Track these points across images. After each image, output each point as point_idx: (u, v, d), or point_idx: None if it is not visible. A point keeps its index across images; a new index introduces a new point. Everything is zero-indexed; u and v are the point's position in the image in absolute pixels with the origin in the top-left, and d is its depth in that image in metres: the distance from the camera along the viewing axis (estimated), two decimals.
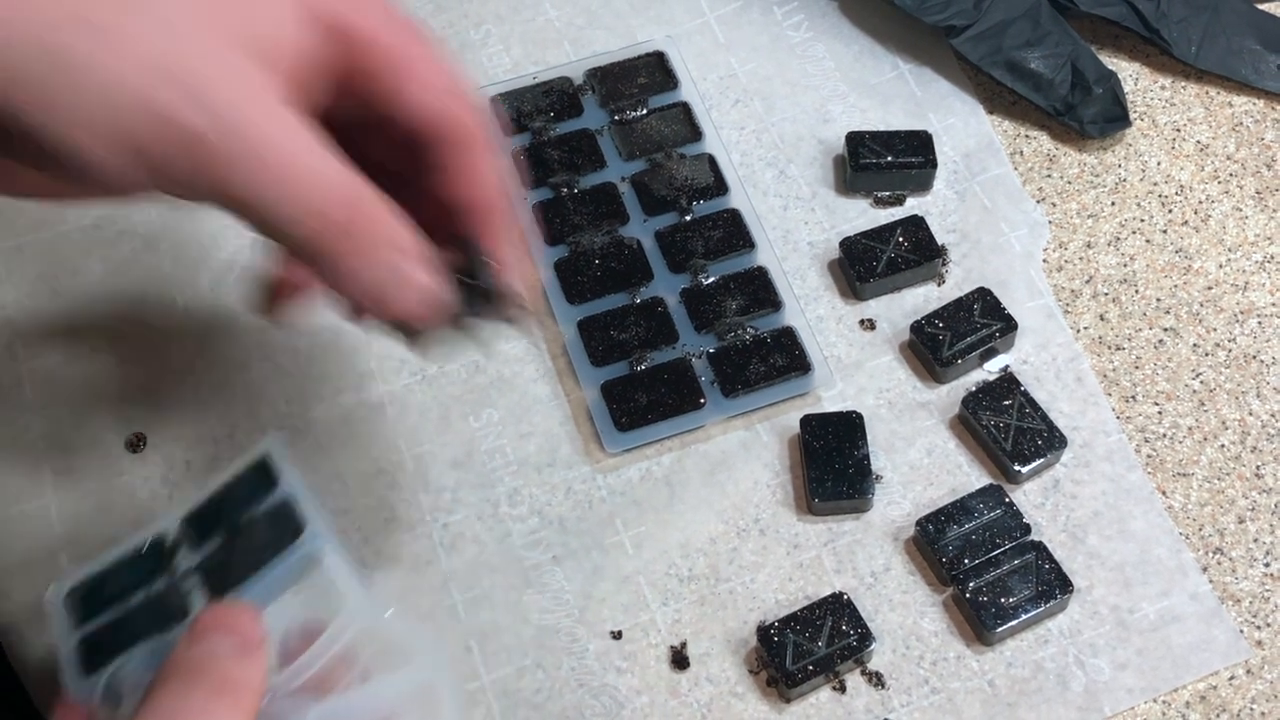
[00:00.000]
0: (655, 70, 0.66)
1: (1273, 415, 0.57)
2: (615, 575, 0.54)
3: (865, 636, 0.51)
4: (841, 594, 0.52)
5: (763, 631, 0.52)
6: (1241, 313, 0.60)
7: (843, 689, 0.51)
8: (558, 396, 0.58)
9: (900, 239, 0.60)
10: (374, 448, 0.57)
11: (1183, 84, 0.66)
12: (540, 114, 0.65)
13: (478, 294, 0.43)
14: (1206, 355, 0.59)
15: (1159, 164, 0.64)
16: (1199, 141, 0.64)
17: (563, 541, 0.55)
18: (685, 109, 0.65)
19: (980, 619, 0.51)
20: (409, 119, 0.42)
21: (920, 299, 0.60)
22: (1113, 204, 0.62)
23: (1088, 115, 0.63)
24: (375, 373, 0.59)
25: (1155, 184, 0.63)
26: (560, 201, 0.63)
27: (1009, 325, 0.58)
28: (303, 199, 0.37)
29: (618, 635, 0.53)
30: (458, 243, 0.43)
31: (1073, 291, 0.60)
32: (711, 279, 0.60)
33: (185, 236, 0.63)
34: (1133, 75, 0.66)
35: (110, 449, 0.58)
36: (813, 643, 0.51)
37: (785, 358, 0.58)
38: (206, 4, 0.37)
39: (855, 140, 0.63)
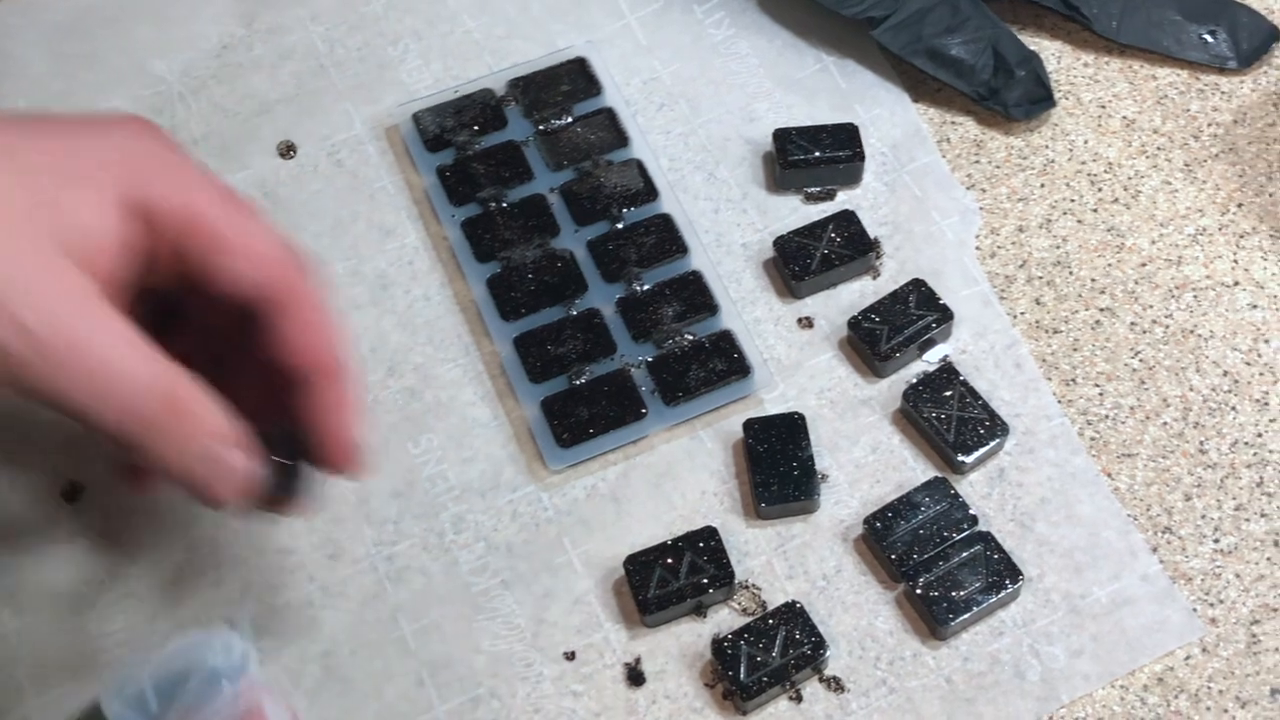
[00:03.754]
0: (577, 77, 0.66)
1: (1213, 389, 0.57)
2: (566, 596, 0.54)
3: (819, 644, 0.51)
4: (794, 602, 0.52)
5: (716, 644, 0.51)
6: (1176, 288, 0.60)
7: (799, 698, 0.51)
8: (498, 417, 0.58)
9: (833, 234, 0.60)
10: None
11: (1105, 60, 0.66)
12: (463, 128, 0.64)
13: (293, 471, 0.45)
14: (1144, 333, 0.59)
15: (1086, 142, 0.63)
16: (1125, 117, 0.64)
17: (510, 566, 0.54)
18: (610, 115, 0.64)
19: (933, 614, 0.51)
20: (229, 292, 0.44)
21: (856, 294, 0.60)
22: (1042, 186, 0.62)
23: (1012, 98, 0.63)
24: None
25: (1083, 163, 0.63)
26: (489, 217, 0.62)
27: (945, 315, 0.57)
28: (113, 398, 0.39)
29: (571, 656, 0.52)
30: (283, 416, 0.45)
31: (1007, 277, 0.60)
32: (647, 287, 0.60)
33: None
34: (1055, 54, 0.66)
35: (45, 499, 0.56)
36: (767, 653, 0.50)
37: (724, 362, 0.58)
38: (19, 204, 0.39)
39: (782, 137, 0.62)
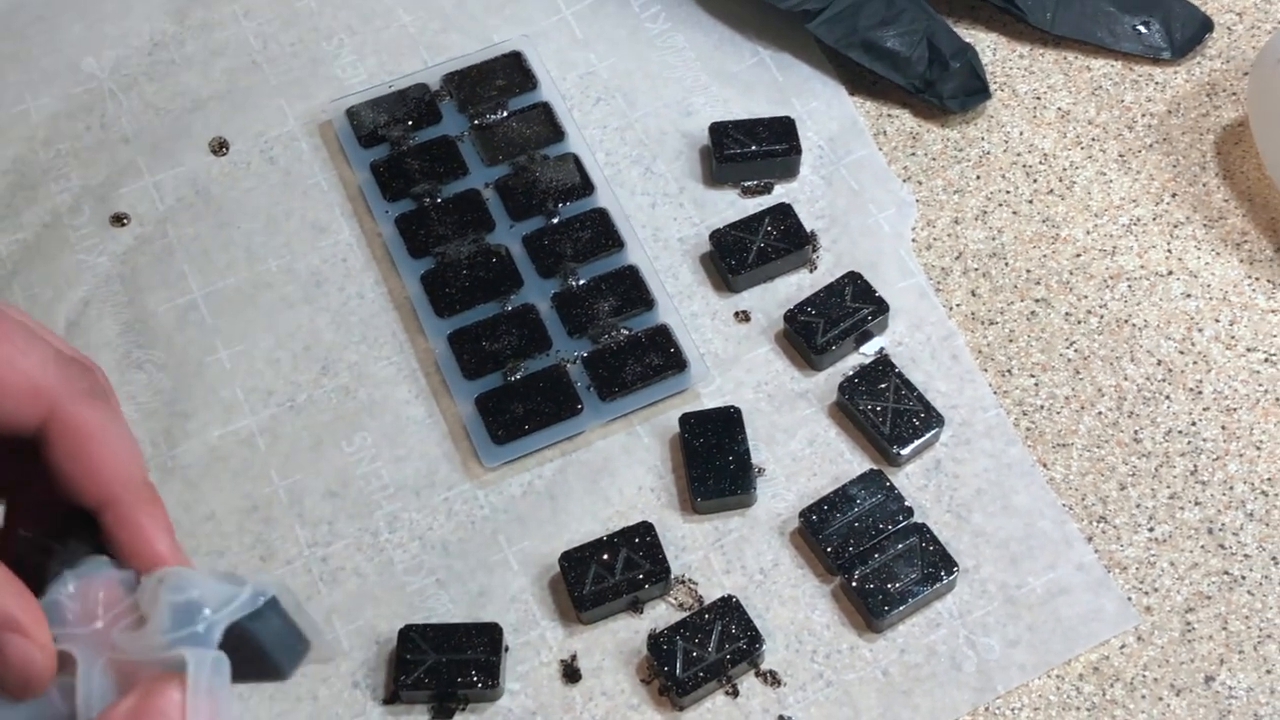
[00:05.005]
0: (513, 71, 0.65)
1: (1147, 378, 0.57)
2: (502, 594, 0.53)
3: (755, 639, 0.50)
4: (730, 597, 0.51)
5: (652, 640, 0.51)
6: (1111, 278, 0.60)
7: (735, 693, 0.51)
8: (433, 415, 0.57)
9: (769, 228, 0.60)
10: (246, 482, 0.56)
11: (1041, 51, 0.66)
12: (397, 123, 0.64)
13: None
14: (1079, 323, 0.59)
15: (1021, 134, 0.63)
16: (1060, 108, 0.64)
17: (446, 564, 0.54)
18: (546, 109, 0.64)
19: (868, 607, 0.51)
20: None
21: (793, 287, 0.60)
22: (978, 178, 0.62)
23: (947, 90, 0.63)
24: (242, 403, 0.57)
25: (1019, 154, 0.63)
26: (423, 212, 0.61)
27: (881, 308, 0.57)
28: None
29: (506, 650, 0.52)
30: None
31: (943, 269, 0.60)
32: (582, 281, 0.59)
33: (39, 276, 0.61)
34: (991, 45, 0.66)
35: None
36: (703, 649, 0.50)
37: (660, 357, 0.57)
38: None
39: (718, 131, 0.62)
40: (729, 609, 0.51)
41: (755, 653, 0.50)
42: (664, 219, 0.62)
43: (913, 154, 0.63)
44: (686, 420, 0.55)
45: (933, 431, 0.55)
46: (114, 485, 0.37)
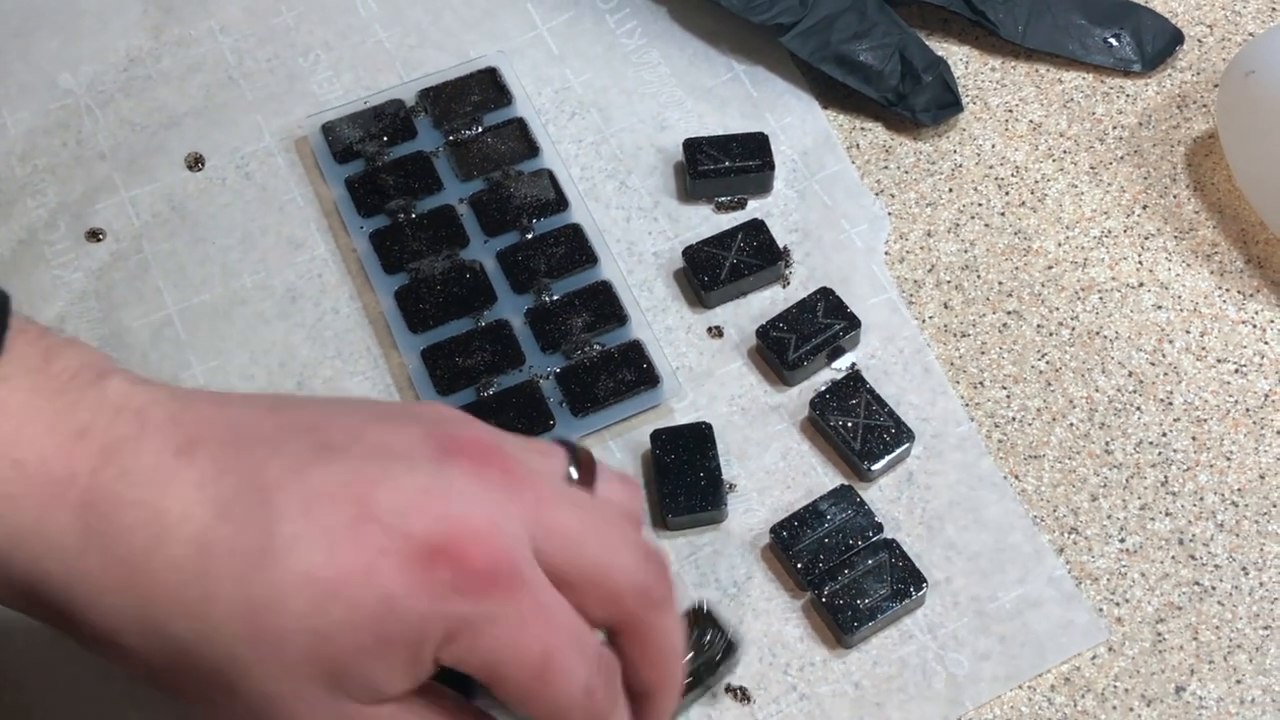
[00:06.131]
0: (488, 87, 0.65)
1: (1118, 390, 0.58)
2: None
3: (730, 647, 0.50)
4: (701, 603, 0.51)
5: None
6: (1082, 290, 0.60)
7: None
8: None
9: (741, 244, 0.60)
10: None
11: (1013, 64, 0.66)
12: (373, 139, 0.64)
13: None
14: (1050, 335, 0.59)
15: (994, 146, 0.64)
16: (1032, 121, 0.65)
17: None
18: (521, 125, 0.64)
19: (838, 623, 0.51)
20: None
21: (767, 302, 0.60)
22: (950, 190, 0.63)
23: (919, 104, 0.63)
24: None
25: (991, 167, 0.63)
26: (398, 228, 0.61)
27: (852, 323, 0.58)
28: None
29: None
30: None
31: (915, 282, 0.60)
32: (556, 297, 0.60)
33: (14, 292, 0.61)
34: (963, 59, 0.66)
35: None
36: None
37: (633, 372, 0.57)
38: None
39: (692, 147, 0.62)
40: (700, 617, 0.51)
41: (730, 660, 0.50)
42: (638, 234, 0.62)
43: (885, 167, 0.63)
44: (658, 436, 0.56)
45: (903, 447, 0.55)
46: (662, 682, 0.43)
